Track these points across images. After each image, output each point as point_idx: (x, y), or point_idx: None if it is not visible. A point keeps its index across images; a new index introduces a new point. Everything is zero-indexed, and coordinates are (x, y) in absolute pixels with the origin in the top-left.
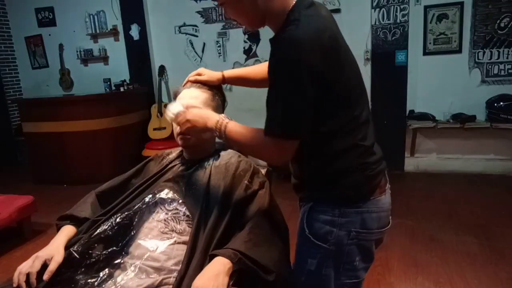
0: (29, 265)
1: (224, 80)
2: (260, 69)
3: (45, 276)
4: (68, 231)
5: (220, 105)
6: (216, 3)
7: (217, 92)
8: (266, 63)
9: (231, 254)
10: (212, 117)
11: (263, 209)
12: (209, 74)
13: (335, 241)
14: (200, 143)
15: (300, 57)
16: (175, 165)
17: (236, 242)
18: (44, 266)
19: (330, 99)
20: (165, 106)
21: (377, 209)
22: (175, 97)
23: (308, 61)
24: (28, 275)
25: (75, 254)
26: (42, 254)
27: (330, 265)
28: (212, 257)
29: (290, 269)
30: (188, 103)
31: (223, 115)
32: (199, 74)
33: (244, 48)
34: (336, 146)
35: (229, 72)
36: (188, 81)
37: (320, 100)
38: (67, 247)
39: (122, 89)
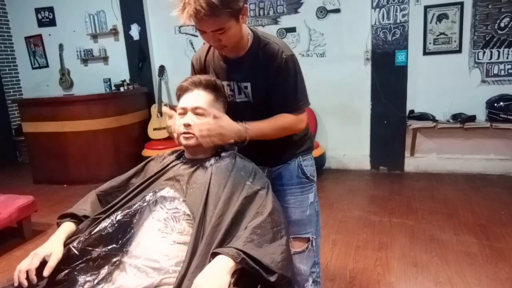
0: (28, 263)
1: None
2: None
3: (45, 272)
4: (67, 228)
5: (223, 106)
6: (197, 31)
7: (220, 93)
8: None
9: (234, 253)
10: (234, 128)
11: (265, 209)
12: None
13: (315, 174)
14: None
15: (293, 53)
16: (176, 165)
17: (238, 242)
18: (43, 263)
19: None
20: (165, 105)
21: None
22: (178, 96)
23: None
24: (28, 272)
25: (75, 251)
26: (41, 251)
27: (316, 193)
28: (214, 255)
29: (292, 269)
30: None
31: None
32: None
33: None
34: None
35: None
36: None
37: None
38: (67, 244)
39: (122, 89)
